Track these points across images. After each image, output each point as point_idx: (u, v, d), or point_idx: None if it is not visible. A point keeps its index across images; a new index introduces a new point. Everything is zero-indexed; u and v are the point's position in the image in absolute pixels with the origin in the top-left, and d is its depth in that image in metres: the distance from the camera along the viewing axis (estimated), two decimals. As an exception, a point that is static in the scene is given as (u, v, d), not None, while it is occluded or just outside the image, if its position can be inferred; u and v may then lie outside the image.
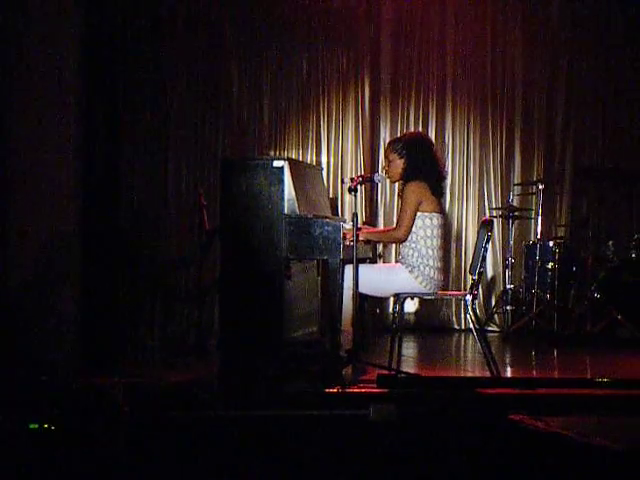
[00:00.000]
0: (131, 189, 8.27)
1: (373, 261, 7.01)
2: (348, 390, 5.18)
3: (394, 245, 8.55)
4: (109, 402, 4.64)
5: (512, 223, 8.72)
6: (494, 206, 9.10)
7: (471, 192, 9.25)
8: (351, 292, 5.50)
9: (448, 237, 8.87)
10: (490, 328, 8.73)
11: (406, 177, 5.79)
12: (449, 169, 9.11)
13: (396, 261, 6.11)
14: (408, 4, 9.17)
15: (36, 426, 4.34)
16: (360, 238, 5.64)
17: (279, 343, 5.62)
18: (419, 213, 5.68)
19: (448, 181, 8.96)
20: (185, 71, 8.62)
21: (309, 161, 8.80)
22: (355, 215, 5.43)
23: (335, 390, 5.15)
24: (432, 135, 9.07)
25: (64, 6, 5.72)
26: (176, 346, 7.58)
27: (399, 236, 5.73)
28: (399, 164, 5.81)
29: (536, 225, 8.66)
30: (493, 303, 9.04)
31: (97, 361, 6.26)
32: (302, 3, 8.96)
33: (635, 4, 9.03)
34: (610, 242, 8.26)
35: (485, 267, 8.82)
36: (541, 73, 9.27)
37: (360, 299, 5.71)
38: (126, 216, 8.14)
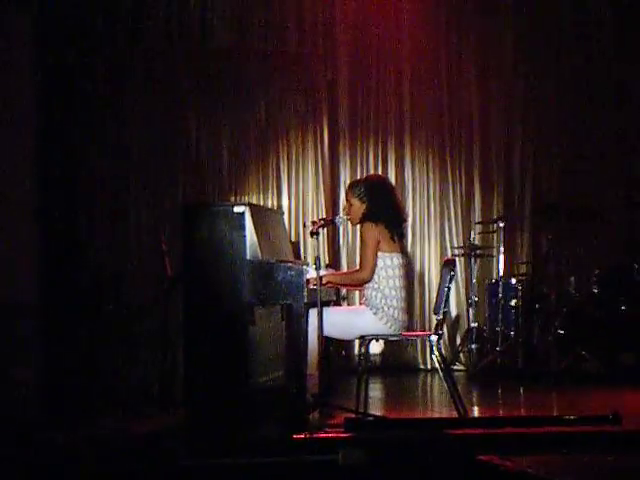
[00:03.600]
0: (91, 238, 8.22)
1: (337, 304, 6.98)
2: (315, 435, 5.14)
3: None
4: (73, 457, 4.57)
5: (474, 261, 8.75)
6: (456, 245, 9.14)
7: (432, 231, 9.28)
8: (316, 336, 5.46)
9: (411, 277, 8.87)
10: (456, 367, 8.71)
11: (366, 220, 5.76)
12: (409, 209, 9.12)
13: (360, 303, 6.07)
14: (364, 48, 9.26)
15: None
16: (324, 282, 5.62)
17: (245, 389, 5.56)
18: (379, 253, 5.64)
19: (409, 221, 8.97)
20: (144, 118, 8.61)
21: (270, 205, 8.78)
22: (317, 258, 5.41)
23: (303, 436, 5.10)
24: (392, 175, 9.12)
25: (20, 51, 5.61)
26: (141, 395, 7.48)
27: (364, 276, 5.68)
28: (360, 207, 5.79)
29: (498, 263, 8.68)
30: (458, 342, 9.02)
31: (61, 413, 6.16)
32: (258, 48, 9.00)
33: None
34: (572, 278, 8.30)
35: (449, 306, 8.83)
36: (497, 113, 9.36)
37: (325, 342, 5.68)
38: (87, 266, 8.07)
